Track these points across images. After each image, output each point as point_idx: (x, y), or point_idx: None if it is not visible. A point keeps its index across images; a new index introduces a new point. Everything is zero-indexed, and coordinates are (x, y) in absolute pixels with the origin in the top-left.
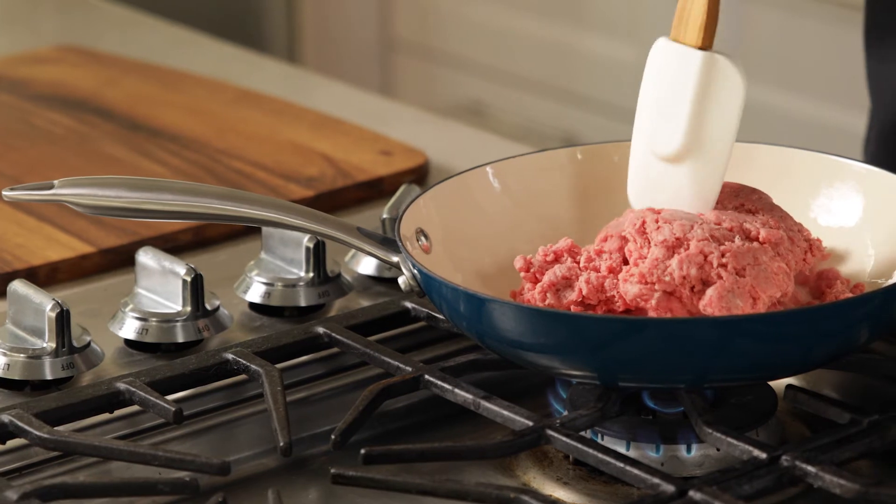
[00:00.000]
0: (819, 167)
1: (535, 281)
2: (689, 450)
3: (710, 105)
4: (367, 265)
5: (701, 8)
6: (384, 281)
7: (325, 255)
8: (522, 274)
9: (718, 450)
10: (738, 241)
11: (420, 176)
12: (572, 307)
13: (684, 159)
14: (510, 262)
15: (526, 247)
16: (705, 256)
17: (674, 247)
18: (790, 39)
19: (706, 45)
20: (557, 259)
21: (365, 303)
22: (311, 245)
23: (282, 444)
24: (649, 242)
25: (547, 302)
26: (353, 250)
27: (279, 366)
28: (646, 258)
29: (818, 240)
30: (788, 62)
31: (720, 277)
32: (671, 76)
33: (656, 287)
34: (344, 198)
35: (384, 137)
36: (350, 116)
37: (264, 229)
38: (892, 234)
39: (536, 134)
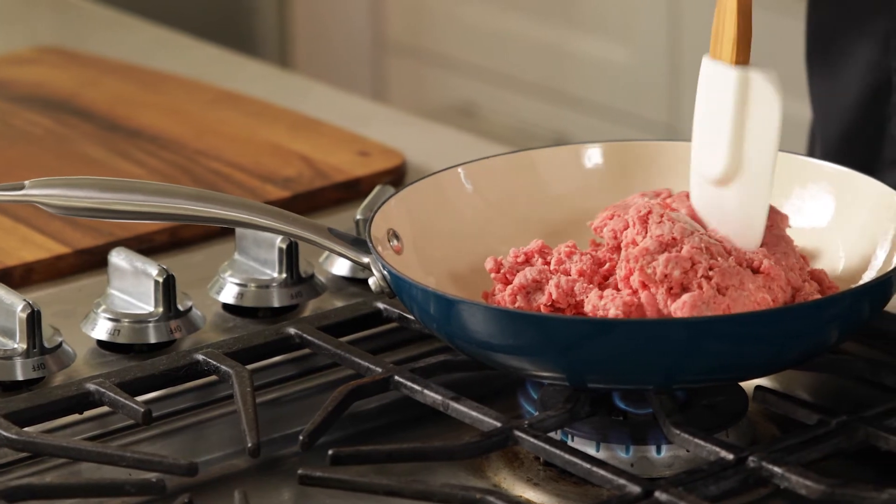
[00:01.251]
0: (791, 168)
1: (506, 282)
2: (658, 451)
3: (747, 124)
4: (340, 266)
5: (732, 24)
6: (358, 282)
7: (297, 256)
8: (493, 275)
9: (688, 451)
10: (731, 261)
11: (398, 177)
12: (542, 310)
13: (730, 182)
14: (482, 264)
15: (498, 248)
16: (693, 263)
17: (667, 245)
18: (779, 40)
19: (741, 61)
20: (528, 260)
21: (338, 304)
22: (284, 246)
23: (250, 444)
24: (647, 232)
25: (517, 304)
26: (326, 251)
27: (251, 367)
28: (637, 245)
29: (819, 273)
30: (777, 63)
31: (700, 287)
32: (713, 97)
33: (635, 274)
34: (321, 198)
35: (362, 138)
36: (330, 117)
37: (238, 230)
38: (863, 235)
39: (528, 135)
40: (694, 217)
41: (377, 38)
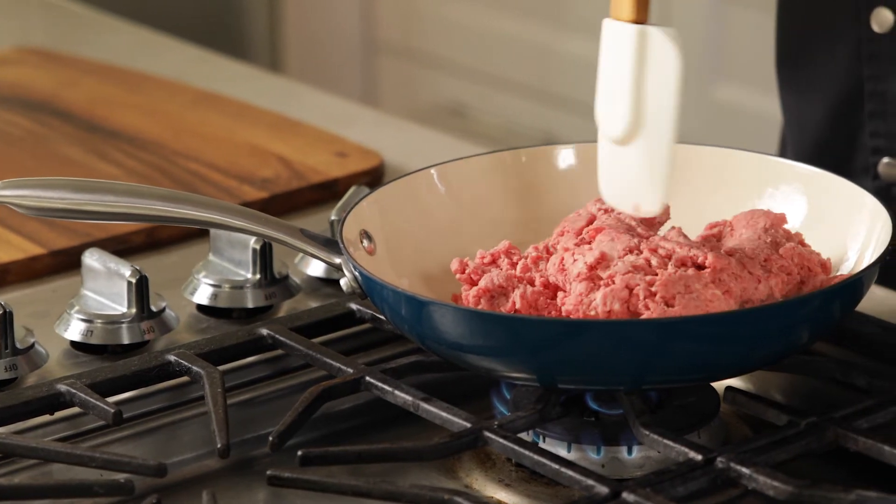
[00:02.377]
0: (763, 169)
1: (472, 283)
2: (630, 451)
3: (647, 81)
4: (315, 267)
5: None
6: (333, 283)
7: (271, 257)
8: (458, 276)
9: (659, 452)
10: (670, 268)
11: (375, 177)
12: None
13: (632, 140)
14: (448, 264)
15: (470, 249)
16: (631, 290)
17: (591, 278)
18: (768, 40)
19: (640, 19)
20: (494, 261)
21: (313, 304)
22: (258, 247)
23: (219, 445)
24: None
25: (480, 307)
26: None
27: (224, 367)
28: (569, 294)
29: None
30: (767, 63)
31: (647, 308)
32: (614, 57)
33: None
34: (298, 199)
35: (341, 139)
36: (312, 118)
37: (212, 231)
38: (835, 235)
39: (517, 135)
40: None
41: (368, 40)
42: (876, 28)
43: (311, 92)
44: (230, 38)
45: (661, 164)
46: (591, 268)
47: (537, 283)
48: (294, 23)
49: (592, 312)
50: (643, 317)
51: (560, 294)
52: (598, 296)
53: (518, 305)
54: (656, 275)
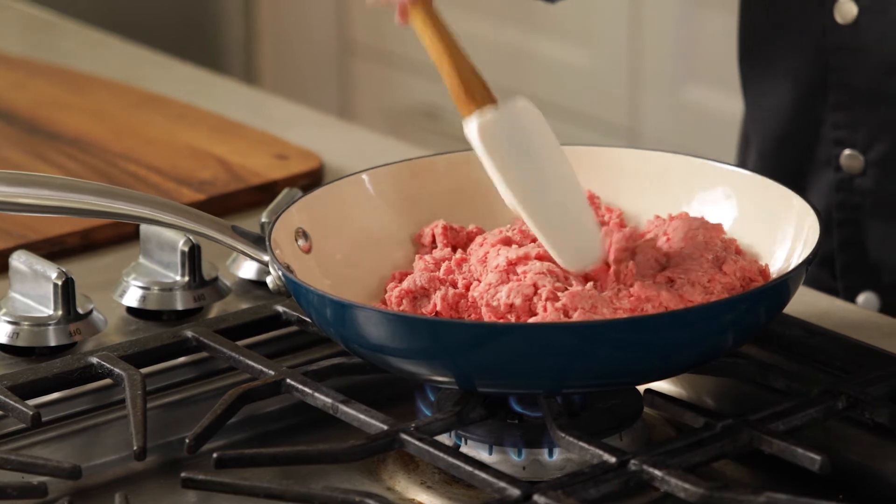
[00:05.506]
0: (694, 171)
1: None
2: (551, 454)
3: (491, 168)
4: (247, 269)
5: (448, 81)
6: (264, 285)
7: (200, 259)
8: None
9: (576, 454)
10: (588, 286)
11: (315, 180)
12: None
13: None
14: (383, 268)
15: (399, 252)
16: (536, 289)
17: (507, 272)
18: (729, 39)
19: (466, 112)
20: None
21: (244, 306)
22: (186, 249)
23: (136, 447)
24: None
25: (402, 308)
26: (234, 254)
27: (150, 369)
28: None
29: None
30: (725, 62)
31: (544, 310)
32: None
33: (483, 309)
34: (236, 202)
35: (282, 141)
36: (254, 120)
37: (142, 234)
38: (764, 237)
39: None
40: None
41: (342, 42)
42: (839, 20)
43: (255, 94)
44: (206, 43)
45: (554, 236)
46: (511, 263)
47: (459, 285)
48: (269, 27)
49: (495, 303)
50: (537, 316)
51: (474, 284)
52: (504, 288)
53: (439, 307)
54: (572, 285)
